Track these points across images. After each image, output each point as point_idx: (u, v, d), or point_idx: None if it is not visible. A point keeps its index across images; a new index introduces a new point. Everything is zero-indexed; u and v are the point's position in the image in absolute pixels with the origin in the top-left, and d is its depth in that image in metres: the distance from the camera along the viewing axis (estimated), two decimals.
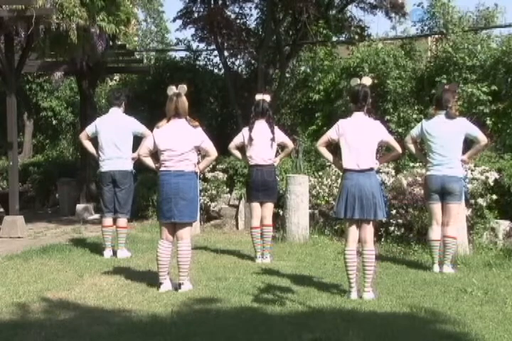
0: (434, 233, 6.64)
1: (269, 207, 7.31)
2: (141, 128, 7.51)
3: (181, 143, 5.63)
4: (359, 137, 5.42)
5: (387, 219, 7.90)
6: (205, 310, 4.97)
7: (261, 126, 7.20)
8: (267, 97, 7.35)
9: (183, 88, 5.73)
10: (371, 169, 5.43)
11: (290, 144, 7.45)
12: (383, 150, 7.57)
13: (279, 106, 14.08)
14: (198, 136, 5.70)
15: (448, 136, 6.53)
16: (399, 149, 5.66)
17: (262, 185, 7.15)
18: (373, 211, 5.35)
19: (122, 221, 7.58)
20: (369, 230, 5.46)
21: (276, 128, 7.31)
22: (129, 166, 7.54)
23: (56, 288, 5.67)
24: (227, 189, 10.45)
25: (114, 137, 7.46)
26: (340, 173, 9.31)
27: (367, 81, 5.55)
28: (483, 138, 6.58)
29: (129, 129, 7.51)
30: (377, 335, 4.26)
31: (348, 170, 5.44)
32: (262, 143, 7.16)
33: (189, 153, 5.65)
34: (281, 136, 7.31)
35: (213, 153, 5.81)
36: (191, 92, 13.97)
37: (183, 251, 5.68)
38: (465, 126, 6.59)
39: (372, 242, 5.53)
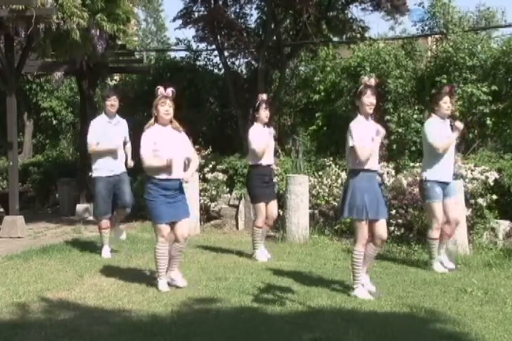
0: (434, 232, 6.64)
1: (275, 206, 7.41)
2: (125, 132, 7.59)
3: None
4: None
5: (387, 219, 7.90)
6: (205, 310, 4.96)
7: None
8: (264, 97, 7.41)
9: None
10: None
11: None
12: (384, 151, 7.57)
13: (279, 107, 14.07)
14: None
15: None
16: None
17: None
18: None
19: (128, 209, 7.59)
20: (384, 225, 5.55)
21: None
22: (122, 167, 7.55)
23: (56, 288, 5.66)
24: (227, 189, 10.46)
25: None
26: (340, 173, 9.39)
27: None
28: (436, 144, 6.44)
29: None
30: (377, 335, 4.26)
31: (364, 171, 5.38)
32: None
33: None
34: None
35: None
36: (191, 92, 13.93)
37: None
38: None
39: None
